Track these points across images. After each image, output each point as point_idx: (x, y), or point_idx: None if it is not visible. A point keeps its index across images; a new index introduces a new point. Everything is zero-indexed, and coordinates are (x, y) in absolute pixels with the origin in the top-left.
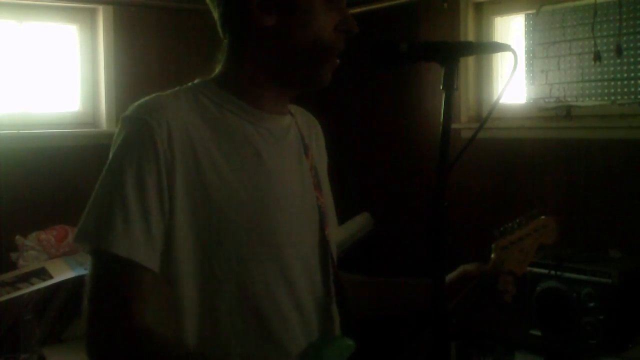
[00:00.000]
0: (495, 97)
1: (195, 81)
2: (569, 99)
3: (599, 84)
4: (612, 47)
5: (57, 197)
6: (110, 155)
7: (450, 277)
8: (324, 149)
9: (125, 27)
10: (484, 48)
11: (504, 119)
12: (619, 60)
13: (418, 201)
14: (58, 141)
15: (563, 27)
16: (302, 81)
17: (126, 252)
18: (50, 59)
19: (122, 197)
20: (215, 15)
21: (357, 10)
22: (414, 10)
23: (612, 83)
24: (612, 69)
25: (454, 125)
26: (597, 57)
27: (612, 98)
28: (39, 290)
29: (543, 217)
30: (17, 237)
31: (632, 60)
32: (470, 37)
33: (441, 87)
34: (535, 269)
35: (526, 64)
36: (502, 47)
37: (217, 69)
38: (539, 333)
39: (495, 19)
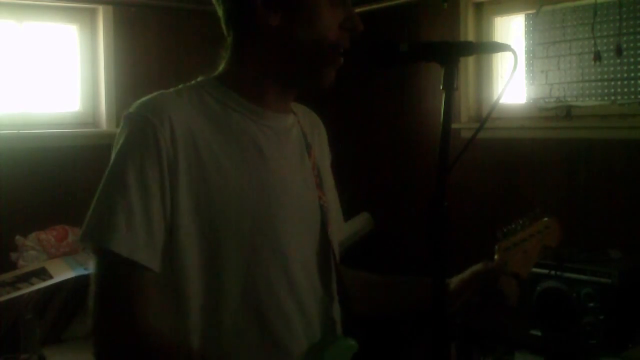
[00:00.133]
0: (495, 97)
1: (199, 79)
2: (569, 99)
3: (599, 84)
4: (612, 47)
5: (57, 197)
6: (113, 154)
7: (462, 277)
8: (327, 147)
9: (125, 27)
10: (484, 48)
11: (504, 119)
12: (619, 60)
13: (418, 201)
14: (58, 141)
15: (563, 27)
16: (306, 80)
17: (128, 252)
18: (50, 59)
19: (124, 197)
20: (220, 12)
21: (357, 10)
22: (414, 10)
23: (612, 83)
24: (612, 69)
25: (454, 125)
26: (597, 57)
27: (612, 98)
28: (39, 290)
29: (546, 218)
30: (17, 237)
31: (632, 60)
32: (470, 37)
33: (441, 87)
34: (535, 269)
35: (526, 64)
36: (502, 47)
37: (221, 66)
38: (539, 333)
39: (495, 19)
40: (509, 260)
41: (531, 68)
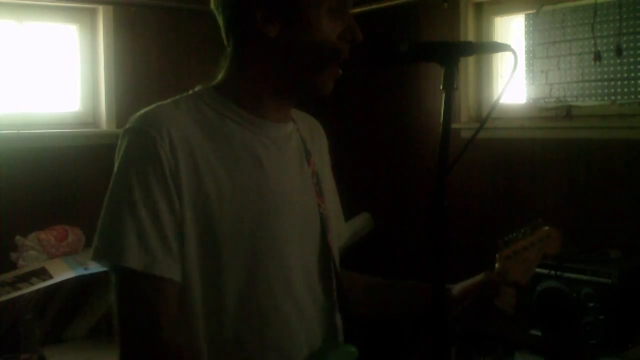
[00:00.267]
0: (495, 97)
1: (197, 88)
2: (569, 99)
3: (599, 84)
4: (612, 47)
5: (57, 197)
6: (115, 169)
7: (463, 285)
8: (327, 152)
9: (125, 27)
10: (484, 48)
11: (504, 119)
12: (619, 60)
13: (418, 201)
14: (58, 141)
15: (563, 27)
16: (304, 91)
17: (144, 267)
18: (50, 59)
19: (132, 213)
20: (220, 21)
21: (357, 10)
22: (414, 10)
23: (612, 83)
24: (612, 69)
25: (454, 125)
26: (597, 57)
27: (612, 98)
28: (39, 290)
29: (547, 227)
30: (17, 237)
31: (632, 60)
32: (470, 37)
33: (441, 87)
34: (536, 269)
35: (526, 64)
36: (502, 47)
37: (220, 75)
38: (539, 333)
39: (495, 19)
40: (509, 269)
41: (531, 68)
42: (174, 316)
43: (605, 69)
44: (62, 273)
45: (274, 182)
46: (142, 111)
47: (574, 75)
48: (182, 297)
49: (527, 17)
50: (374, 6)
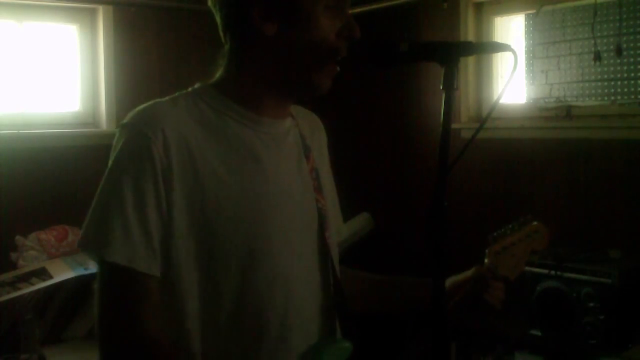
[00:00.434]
0: (495, 97)
1: (195, 86)
2: (569, 99)
3: (599, 84)
4: (612, 47)
5: (57, 197)
6: (109, 164)
7: (454, 279)
8: (327, 149)
9: (125, 27)
10: (484, 48)
11: (504, 119)
12: (619, 60)
13: (418, 201)
14: (58, 141)
15: (563, 27)
16: (302, 89)
17: (127, 261)
18: (50, 59)
19: (120, 207)
20: (217, 19)
21: (357, 10)
22: (414, 10)
23: (612, 83)
24: (612, 69)
25: (454, 125)
26: (597, 57)
27: (612, 98)
28: (39, 290)
29: (535, 222)
30: (17, 237)
31: (632, 60)
32: (470, 37)
33: (441, 87)
34: (535, 269)
35: (526, 64)
36: (502, 47)
37: (218, 73)
38: (539, 333)
39: (495, 19)
40: (499, 264)
41: (531, 68)
42: (154, 309)
43: (605, 69)
44: (62, 273)
45: (272, 178)
46: (140, 108)
47: (574, 75)
48: (175, 294)
49: (527, 17)
50: (374, 6)
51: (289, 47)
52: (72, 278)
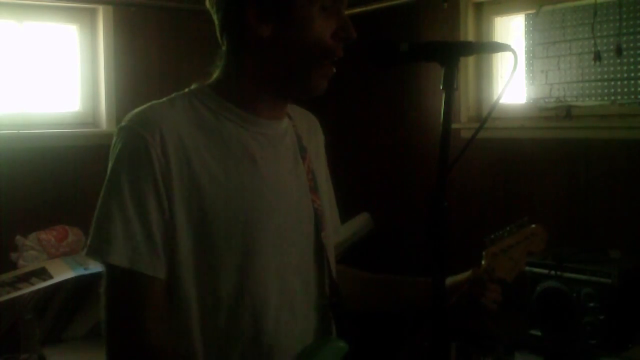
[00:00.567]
0: (495, 97)
1: (192, 86)
2: (569, 99)
3: (599, 84)
4: (612, 47)
5: (57, 197)
6: (109, 168)
7: (452, 280)
8: (323, 149)
9: (125, 27)
10: (484, 48)
11: (504, 119)
12: (619, 60)
13: (418, 201)
14: (58, 141)
15: (563, 27)
16: (298, 90)
17: (129, 263)
18: (50, 59)
19: (121, 211)
20: (215, 20)
21: (357, 10)
22: (414, 10)
23: (612, 83)
24: (612, 69)
25: (454, 125)
26: (597, 57)
27: (612, 98)
28: (39, 290)
29: (533, 225)
30: (17, 237)
31: (632, 60)
32: (470, 37)
33: (441, 87)
34: (535, 269)
35: (526, 64)
36: (502, 47)
37: (215, 74)
38: (539, 333)
39: (495, 19)
40: (496, 266)
41: (531, 68)
42: (158, 312)
43: (605, 69)
44: (62, 273)
45: (268, 178)
46: (137, 110)
47: (574, 75)
48: (175, 294)
49: (527, 17)
50: (374, 6)
51: (285, 48)
52: (72, 278)
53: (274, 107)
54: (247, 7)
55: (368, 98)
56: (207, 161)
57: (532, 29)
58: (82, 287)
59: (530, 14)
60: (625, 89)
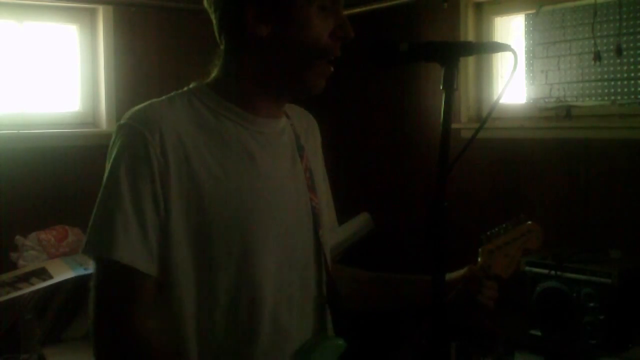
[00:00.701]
0: (495, 97)
1: (191, 85)
2: (569, 99)
3: (599, 84)
4: (612, 47)
5: (57, 197)
6: (108, 165)
7: (449, 277)
8: (321, 148)
9: (125, 27)
10: (484, 48)
11: (504, 119)
12: (619, 60)
13: (418, 201)
14: (58, 141)
15: (563, 27)
16: (296, 89)
17: (128, 260)
18: (50, 59)
19: (120, 208)
20: (213, 20)
21: (357, 10)
22: (414, 10)
23: (612, 83)
24: (612, 69)
25: (454, 125)
26: (597, 57)
27: (612, 98)
28: (39, 290)
29: (529, 222)
30: (17, 237)
31: (632, 60)
32: (470, 37)
33: (441, 87)
34: (535, 269)
35: (526, 64)
36: (502, 47)
37: (213, 73)
38: (539, 333)
39: (495, 19)
40: (492, 263)
41: (531, 68)
42: (149, 309)
43: (605, 69)
44: (62, 273)
45: (266, 177)
46: (136, 108)
47: (574, 75)
48: (170, 292)
49: (527, 17)
50: (374, 6)
51: (283, 48)
52: (72, 278)
53: (272, 106)
54: (245, 6)
55: (368, 98)
56: (206, 159)
57: (532, 29)
58: (82, 287)
59: (530, 14)
60: (625, 89)
